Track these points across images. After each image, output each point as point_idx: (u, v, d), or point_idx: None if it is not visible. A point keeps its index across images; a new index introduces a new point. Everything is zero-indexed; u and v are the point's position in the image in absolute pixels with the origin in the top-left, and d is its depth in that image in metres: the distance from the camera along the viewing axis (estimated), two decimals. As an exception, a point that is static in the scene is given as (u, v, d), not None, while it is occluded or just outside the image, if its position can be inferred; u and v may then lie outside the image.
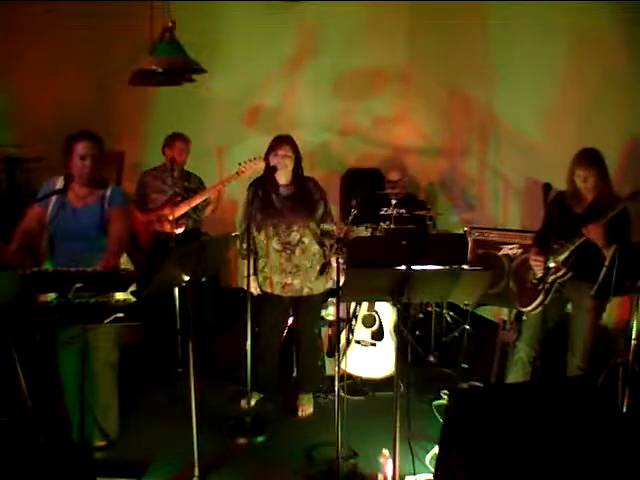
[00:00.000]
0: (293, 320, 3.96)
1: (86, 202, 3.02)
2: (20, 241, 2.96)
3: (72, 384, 3.13)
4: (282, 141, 3.55)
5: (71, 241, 2.95)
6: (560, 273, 3.31)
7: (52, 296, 2.52)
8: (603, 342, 3.92)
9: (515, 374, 3.53)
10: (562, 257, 3.29)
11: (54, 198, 2.99)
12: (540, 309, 3.40)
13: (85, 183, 3.00)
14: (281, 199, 3.61)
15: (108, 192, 3.04)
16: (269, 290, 3.69)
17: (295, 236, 3.60)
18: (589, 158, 3.28)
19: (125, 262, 3.03)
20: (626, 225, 3.22)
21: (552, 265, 3.33)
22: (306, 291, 3.67)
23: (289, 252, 3.60)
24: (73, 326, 2.87)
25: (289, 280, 3.63)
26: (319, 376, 3.92)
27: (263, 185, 3.61)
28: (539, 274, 3.38)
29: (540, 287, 3.37)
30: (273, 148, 3.54)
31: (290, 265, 3.61)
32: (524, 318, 3.60)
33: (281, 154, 3.52)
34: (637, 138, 3.84)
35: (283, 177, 3.58)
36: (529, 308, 3.43)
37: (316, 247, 3.66)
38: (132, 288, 2.53)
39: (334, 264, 3.59)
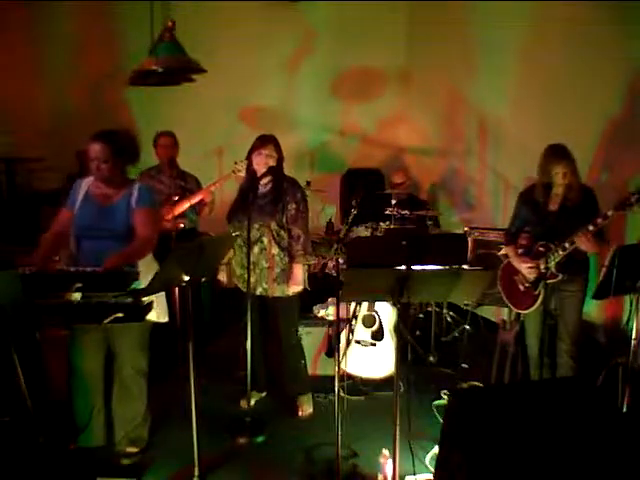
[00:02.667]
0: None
1: (112, 201, 2.99)
2: (49, 245, 2.96)
3: (84, 385, 3.14)
4: (266, 141, 3.56)
5: (96, 241, 2.92)
6: (558, 279, 3.32)
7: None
8: (600, 340, 3.94)
9: (536, 370, 3.54)
10: (554, 263, 3.30)
11: (81, 198, 2.99)
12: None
13: (103, 183, 2.98)
14: (255, 196, 3.58)
15: (135, 191, 3.00)
16: (235, 282, 3.74)
17: (255, 234, 3.56)
18: (566, 155, 3.30)
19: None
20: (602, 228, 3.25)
21: (544, 271, 3.33)
22: (260, 291, 3.62)
23: (247, 248, 3.53)
24: (94, 326, 2.88)
25: (245, 276, 3.54)
26: (303, 377, 3.85)
27: (247, 182, 3.64)
28: (532, 278, 3.39)
29: (537, 292, 3.37)
30: (257, 147, 3.55)
31: (247, 261, 3.55)
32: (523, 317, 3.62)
33: (265, 154, 3.52)
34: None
35: (264, 176, 3.56)
36: (529, 311, 3.46)
37: (276, 249, 3.59)
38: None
39: (296, 271, 3.58)
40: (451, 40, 5.47)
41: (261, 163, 3.53)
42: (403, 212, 4.65)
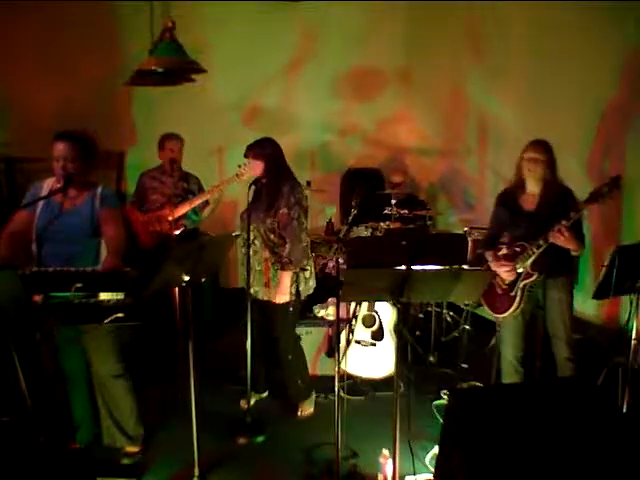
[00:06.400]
0: None
1: (74, 203, 2.97)
2: (7, 244, 2.93)
3: (79, 385, 3.16)
4: (248, 148, 3.57)
5: (58, 243, 2.90)
6: (533, 279, 3.28)
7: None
8: (600, 340, 3.94)
9: (509, 378, 3.50)
10: (529, 262, 3.25)
11: (42, 201, 2.94)
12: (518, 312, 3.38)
13: (61, 185, 2.91)
14: (258, 199, 3.60)
15: (98, 193, 2.99)
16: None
17: (251, 236, 3.54)
18: (541, 145, 3.28)
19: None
20: (581, 221, 3.22)
21: (521, 270, 3.29)
22: (252, 291, 3.59)
23: (247, 249, 3.53)
24: (69, 328, 2.89)
25: (245, 275, 3.56)
26: (297, 388, 3.78)
27: (259, 185, 3.64)
28: (509, 280, 3.34)
29: (513, 293, 3.33)
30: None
31: (247, 261, 3.55)
32: (500, 322, 3.54)
33: (247, 161, 3.60)
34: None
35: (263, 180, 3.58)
36: (506, 314, 3.38)
37: (267, 253, 3.56)
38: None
39: (283, 279, 3.49)
40: (451, 40, 5.48)
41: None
42: (402, 212, 4.65)
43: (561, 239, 3.10)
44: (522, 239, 3.28)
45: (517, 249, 3.31)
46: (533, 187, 3.33)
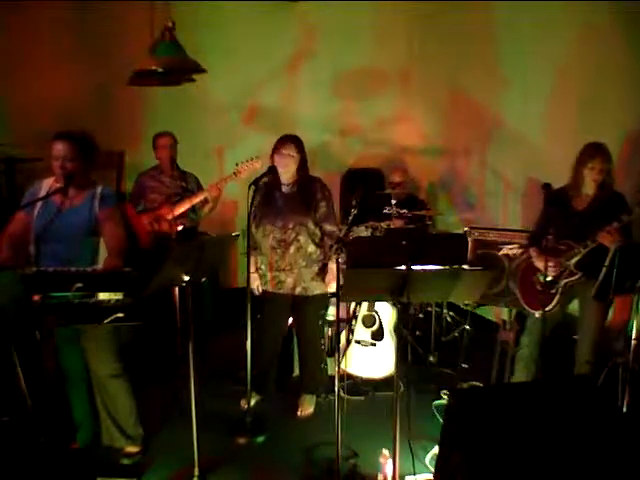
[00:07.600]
0: (293, 320, 3.97)
1: (73, 203, 2.96)
2: (6, 245, 2.93)
3: (79, 384, 3.16)
4: (286, 141, 3.58)
5: (56, 243, 2.89)
6: (575, 277, 3.28)
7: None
8: (603, 341, 3.94)
9: (519, 373, 3.52)
10: (574, 260, 3.25)
11: (41, 201, 2.93)
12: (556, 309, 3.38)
13: (61, 184, 2.92)
14: (282, 197, 3.65)
15: (97, 193, 2.98)
16: (265, 287, 3.75)
17: (291, 234, 3.61)
18: (606, 152, 3.25)
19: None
20: (630, 228, 3.22)
21: (564, 268, 3.29)
22: (299, 290, 3.67)
23: (283, 249, 3.62)
24: (68, 328, 2.89)
25: (282, 277, 3.66)
26: (319, 378, 3.90)
27: (267, 183, 3.64)
28: (550, 277, 3.33)
29: (554, 290, 3.33)
30: (277, 148, 3.58)
31: (283, 262, 3.63)
32: (535, 316, 3.53)
33: (284, 153, 3.55)
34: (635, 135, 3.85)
35: (286, 176, 3.61)
36: (544, 311, 3.37)
37: (312, 247, 3.65)
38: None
39: (332, 267, 3.57)
40: (451, 40, 5.47)
41: (281, 163, 3.56)
42: (402, 211, 4.65)
43: (610, 240, 3.10)
44: (569, 238, 3.29)
45: (562, 247, 3.31)
46: (589, 190, 3.32)
